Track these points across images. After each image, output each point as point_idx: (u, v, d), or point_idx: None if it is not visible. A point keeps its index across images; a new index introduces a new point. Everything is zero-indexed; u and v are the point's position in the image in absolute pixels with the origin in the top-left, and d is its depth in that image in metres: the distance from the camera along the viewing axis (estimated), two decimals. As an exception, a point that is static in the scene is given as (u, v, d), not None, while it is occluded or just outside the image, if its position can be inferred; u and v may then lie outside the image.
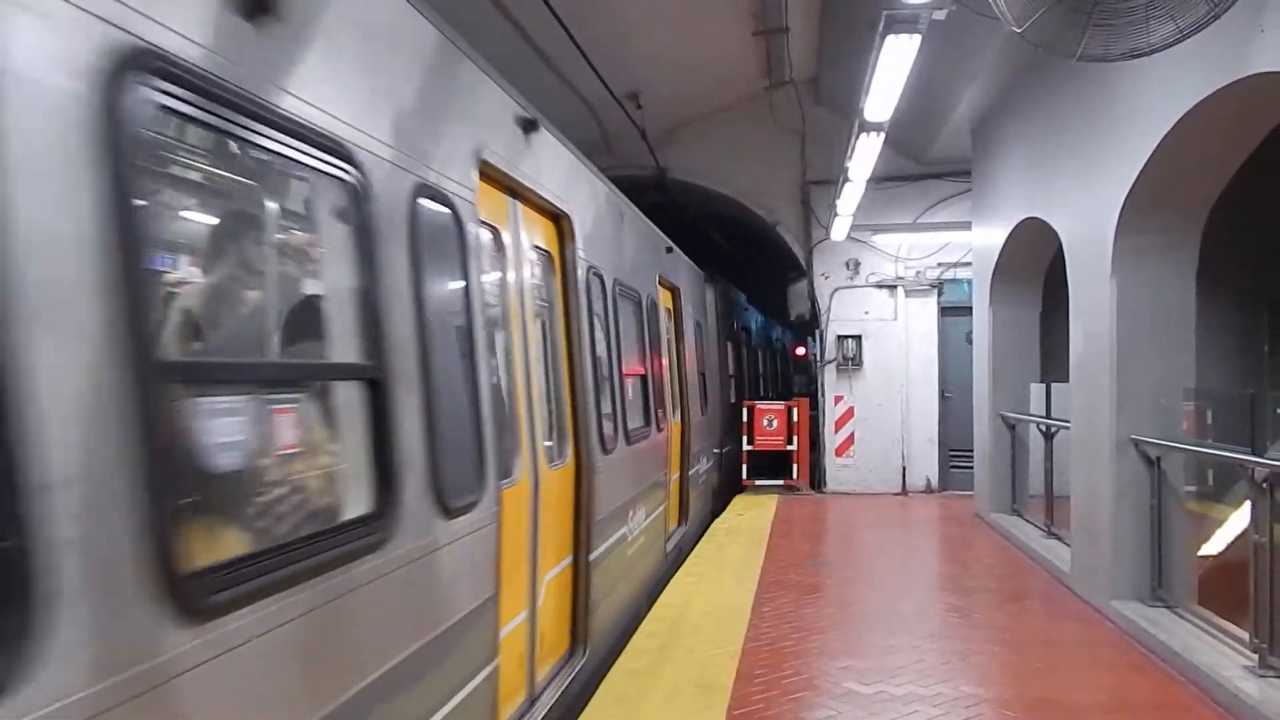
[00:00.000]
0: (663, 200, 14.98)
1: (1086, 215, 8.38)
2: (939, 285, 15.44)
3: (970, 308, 13.40)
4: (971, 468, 13.55)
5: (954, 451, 15.24)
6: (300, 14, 2.91)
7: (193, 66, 2.39)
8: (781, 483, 15.83)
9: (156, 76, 2.26)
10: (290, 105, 2.84)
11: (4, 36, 1.86)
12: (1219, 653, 6.36)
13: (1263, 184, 8.38)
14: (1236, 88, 5.79)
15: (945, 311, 15.41)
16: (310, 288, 3.44)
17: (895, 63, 7.58)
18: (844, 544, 12.18)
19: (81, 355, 1.99)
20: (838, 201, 13.13)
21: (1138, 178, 7.18)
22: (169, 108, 2.36)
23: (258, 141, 2.74)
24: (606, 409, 6.86)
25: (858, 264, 15.61)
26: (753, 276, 21.47)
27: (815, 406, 16.11)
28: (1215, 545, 7.81)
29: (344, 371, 3.36)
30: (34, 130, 1.93)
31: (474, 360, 4.25)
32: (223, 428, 2.72)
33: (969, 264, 13.90)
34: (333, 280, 3.37)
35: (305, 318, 3.35)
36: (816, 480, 15.89)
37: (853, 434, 15.60)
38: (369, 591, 3.14)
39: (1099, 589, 8.01)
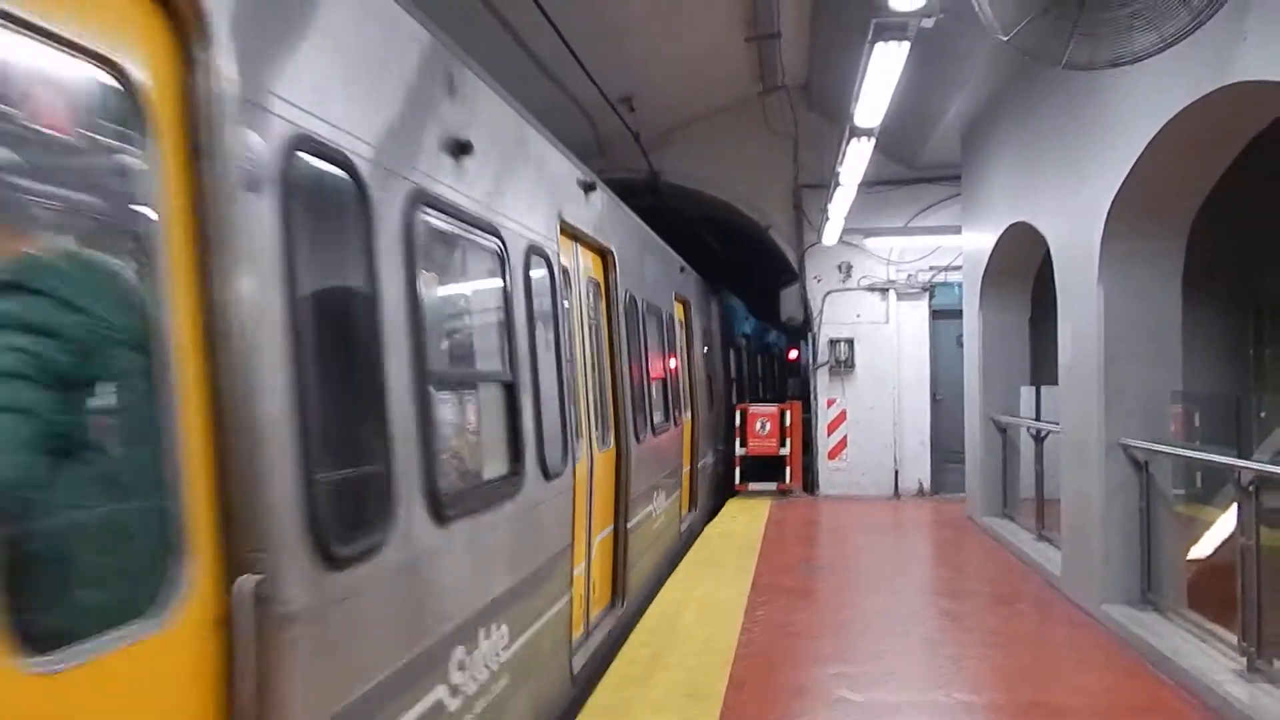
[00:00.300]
0: (656, 204, 15.01)
1: (1073, 220, 8.43)
2: (930, 289, 15.48)
3: (961, 311, 13.45)
4: (963, 471, 13.58)
5: (946, 454, 15.29)
6: (478, 149, 4.47)
7: (438, 194, 4.06)
8: (775, 486, 15.86)
9: (425, 204, 3.91)
10: (472, 207, 4.47)
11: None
12: (1208, 656, 6.39)
13: (1248, 189, 8.44)
14: (1219, 95, 5.83)
15: (936, 315, 15.45)
16: (483, 322, 5.08)
17: (884, 69, 7.64)
18: (837, 548, 12.21)
19: (409, 369, 3.63)
20: (829, 205, 13.19)
21: (1123, 184, 7.23)
22: (427, 220, 3.96)
23: (460, 232, 4.44)
24: (639, 406, 8.53)
25: (850, 267, 15.65)
26: (746, 280, 21.51)
27: (808, 409, 16.14)
28: (1204, 548, 7.86)
29: (496, 378, 4.95)
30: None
31: (560, 369, 5.91)
32: (449, 410, 4.42)
33: (959, 268, 13.95)
34: (493, 317, 4.99)
35: (481, 342, 5.06)
36: (809, 483, 15.92)
37: (845, 437, 15.63)
38: (511, 523, 4.76)
39: (1089, 592, 8.05)
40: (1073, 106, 8.30)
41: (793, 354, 23.16)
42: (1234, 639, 6.22)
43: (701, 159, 15.71)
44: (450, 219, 4.22)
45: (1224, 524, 7.25)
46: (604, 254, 7.65)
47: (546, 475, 5.29)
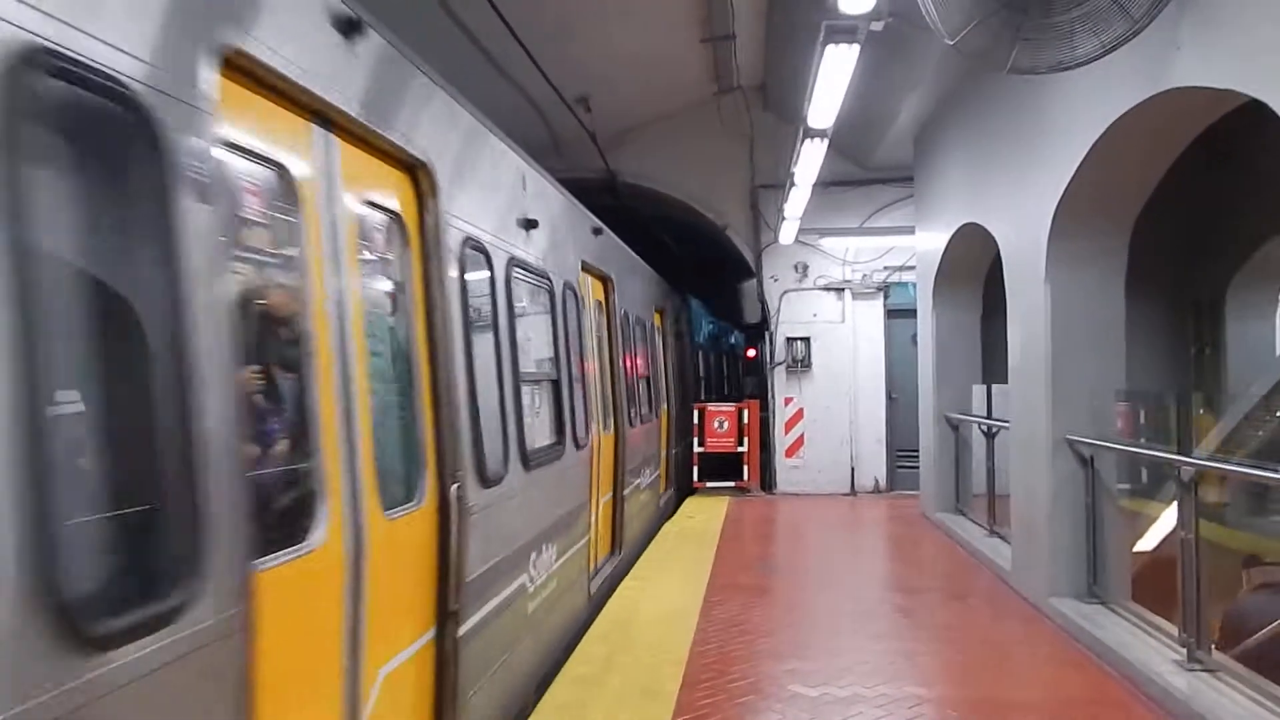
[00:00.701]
0: (613, 204, 15.03)
1: (1021, 221, 8.57)
2: (885, 288, 15.66)
3: (915, 310, 13.60)
4: (918, 468, 13.75)
5: (901, 452, 15.47)
6: (541, 221, 6.61)
7: (521, 257, 6.10)
8: (732, 484, 15.95)
9: (516, 265, 5.96)
10: (536, 262, 6.60)
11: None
12: (1151, 648, 6.53)
13: (1188, 191, 8.63)
14: (1157, 100, 5.98)
15: (891, 314, 15.63)
16: (543, 338, 7.12)
17: (836, 71, 7.74)
18: (793, 545, 12.32)
19: (512, 371, 5.77)
20: (785, 205, 13.30)
21: (1068, 186, 7.37)
22: (517, 274, 6.07)
23: (531, 279, 6.62)
24: (631, 399, 10.67)
25: (806, 267, 15.79)
26: (704, 279, 21.58)
27: (765, 408, 16.25)
28: (1148, 542, 8.02)
29: (549, 376, 7.19)
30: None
31: (583, 370, 8.19)
32: (529, 397, 6.38)
33: (914, 268, 14.11)
34: (547, 334, 7.18)
35: (541, 351, 7.08)
36: (767, 481, 16.03)
37: (802, 435, 15.76)
38: (559, 476, 6.93)
39: (1038, 587, 8.19)
40: (1019, 110, 8.45)
41: (750, 353, 23.26)
42: (1175, 630, 6.37)
43: (658, 159, 15.77)
44: (527, 271, 6.42)
45: (1167, 518, 7.40)
46: (605, 280, 9.82)
47: (578, 446, 7.59)
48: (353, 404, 3.63)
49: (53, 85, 2.13)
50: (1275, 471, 6.09)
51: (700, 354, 20.28)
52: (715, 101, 14.93)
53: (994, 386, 10.50)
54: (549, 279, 7.00)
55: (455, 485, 4.47)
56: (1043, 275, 7.90)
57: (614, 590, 8.87)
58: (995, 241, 9.49)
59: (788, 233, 14.70)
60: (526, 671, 5.97)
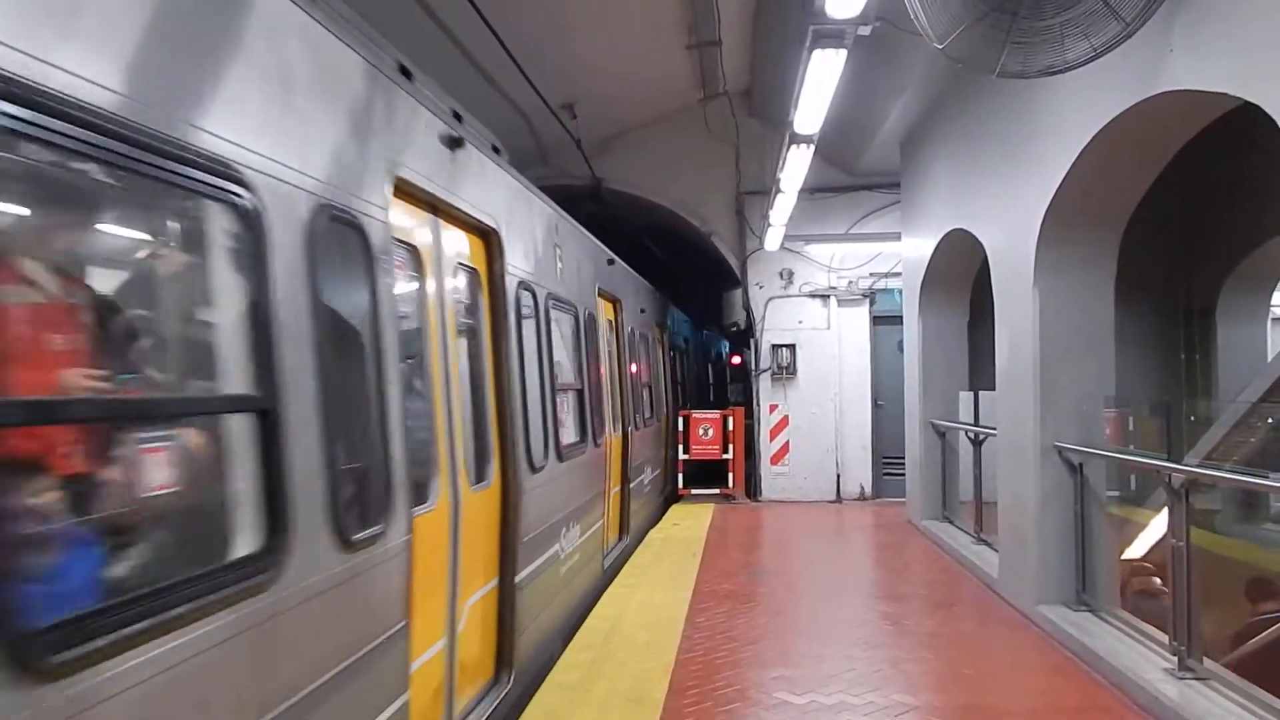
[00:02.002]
0: (598, 210, 14.98)
1: (1009, 227, 8.55)
2: (871, 295, 15.64)
3: (901, 317, 13.59)
4: (904, 475, 13.72)
5: (887, 459, 15.44)
6: (567, 261, 8.27)
7: (557, 293, 7.82)
8: (718, 491, 15.90)
9: (554, 299, 7.73)
10: (566, 295, 8.16)
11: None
12: (1140, 655, 6.50)
13: (1179, 197, 8.61)
14: (1149, 104, 5.95)
15: (877, 321, 15.62)
16: (572, 357, 8.69)
17: (823, 77, 7.69)
18: (779, 552, 12.25)
19: (551, 383, 7.40)
20: (770, 212, 13.27)
21: (1057, 191, 7.34)
22: (553, 307, 7.64)
23: (563, 311, 8.16)
24: (636, 405, 12.33)
25: (791, 274, 15.76)
26: (689, 286, 21.54)
27: (751, 415, 16.20)
28: (1137, 549, 7.99)
29: (575, 386, 8.69)
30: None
31: (600, 379, 9.92)
32: (562, 404, 8.04)
33: (899, 274, 14.09)
34: (576, 354, 8.74)
35: (571, 367, 8.61)
36: (752, 489, 15.98)
37: (788, 442, 15.72)
38: (585, 464, 8.55)
39: (1025, 594, 8.15)
40: (1008, 115, 8.42)
41: (736, 360, 23.24)
42: (1165, 639, 6.33)
43: (644, 166, 15.74)
44: (560, 303, 7.98)
45: (1156, 526, 7.37)
46: (615, 302, 11.40)
47: (595, 443, 9.22)
48: (453, 409, 5.08)
49: (330, 220, 3.62)
50: (1266, 479, 6.05)
51: (686, 360, 20.25)
52: (701, 108, 14.90)
53: (981, 393, 10.47)
54: (575, 307, 8.70)
55: (514, 470, 5.96)
56: (1031, 281, 7.87)
57: (622, 567, 10.47)
58: (982, 248, 9.46)
59: (773, 239, 14.66)
60: (558, 624, 7.43)
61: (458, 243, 5.48)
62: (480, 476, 5.58)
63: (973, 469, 10.69)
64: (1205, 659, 5.99)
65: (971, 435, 10.71)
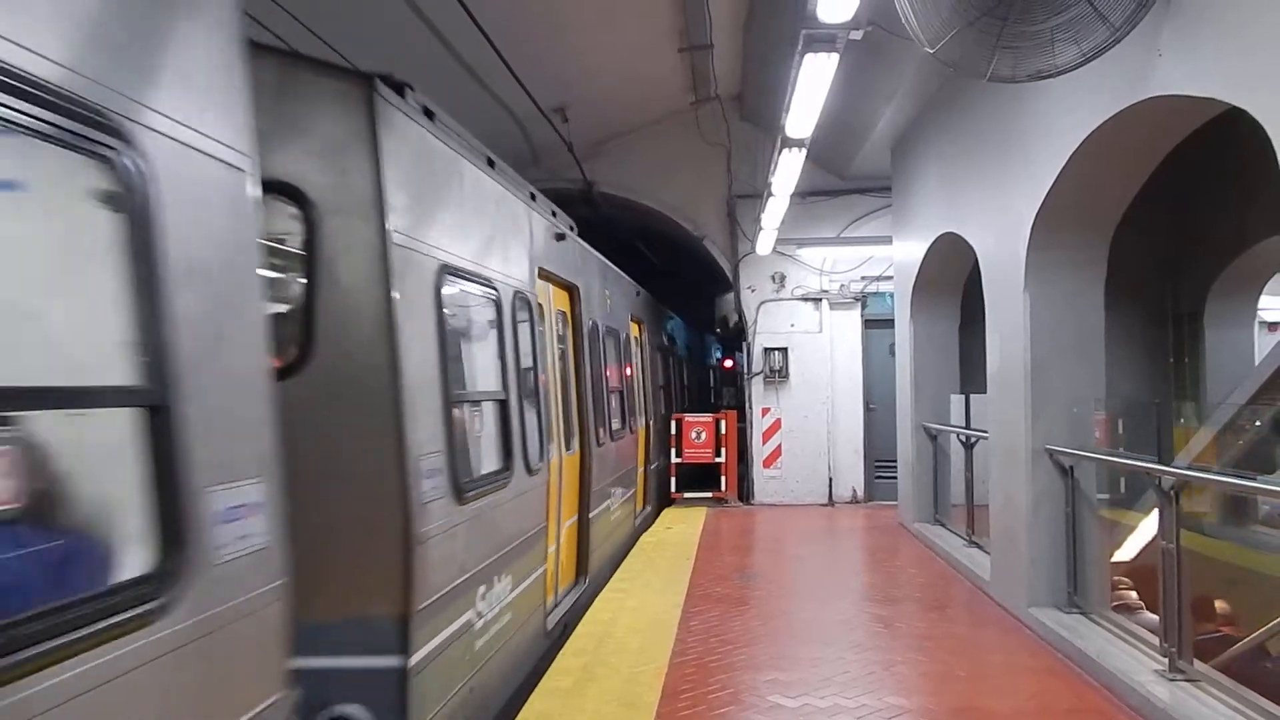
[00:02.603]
0: (590, 214, 14.97)
1: (1000, 231, 8.58)
2: (862, 298, 15.68)
3: (893, 320, 13.62)
4: (896, 478, 13.75)
5: (879, 462, 15.47)
6: (609, 290, 11.71)
7: (608, 324, 11.01)
8: (710, 495, 15.92)
9: (601, 325, 10.61)
10: (612, 324, 11.39)
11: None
12: (1131, 657, 6.52)
13: (1167, 201, 8.65)
14: (1138, 109, 5.98)
15: (869, 324, 15.65)
16: (616, 366, 11.56)
17: (814, 81, 7.70)
18: (771, 555, 12.27)
19: (604, 386, 10.37)
20: (762, 215, 13.29)
21: (1047, 195, 7.38)
22: (606, 332, 10.86)
23: (611, 334, 11.33)
24: (655, 405, 14.75)
25: (783, 277, 15.79)
26: (681, 289, 21.57)
27: (743, 419, 16.22)
28: (1128, 552, 8.02)
29: (619, 389, 11.82)
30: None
31: (636, 385, 13.23)
32: (609, 402, 11.11)
33: (891, 277, 14.13)
34: (619, 364, 11.89)
35: (614, 375, 11.39)
36: (745, 492, 16.00)
37: (780, 445, 15.74)
38: (625, 444, 11.84)
39: (1017, 596, 8.18)
40: (998, 119, 8.46)
41: (728, 363, 23.26)
42: (1156, 640, 6.36)
43: (636, 169, 15.77)
44: (610, 329, 10.76)
45: (1146, 528, 7.39)
46: (640, 323, 13.63)
47: (631, 431, 12.12)
48: (556, 404, 8.06)
49: (515, 297, 6.60)
50: (1255, 480, 6.08)
51: (679, 364, 20.28)
52: (693, 111, 14.94)
53: (972, 396, 10.50)
54: (618, 332, 11.54)
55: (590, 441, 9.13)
56: (1022, 285, 7.90)
57: (650, 526, 13.44)
58: (973, 251, 9.49)
59: (765, 243, 14.69)
60: (610, 557, 10.47)
61: (557, 296, 8.63)
62: (569, 447, 8.69)
63: (964, 472, 10.72)
64: (1195, 661, 6.01)
65: (963, 438, 10.74)
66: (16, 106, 2.11)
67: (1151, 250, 10.65)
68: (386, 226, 4.40)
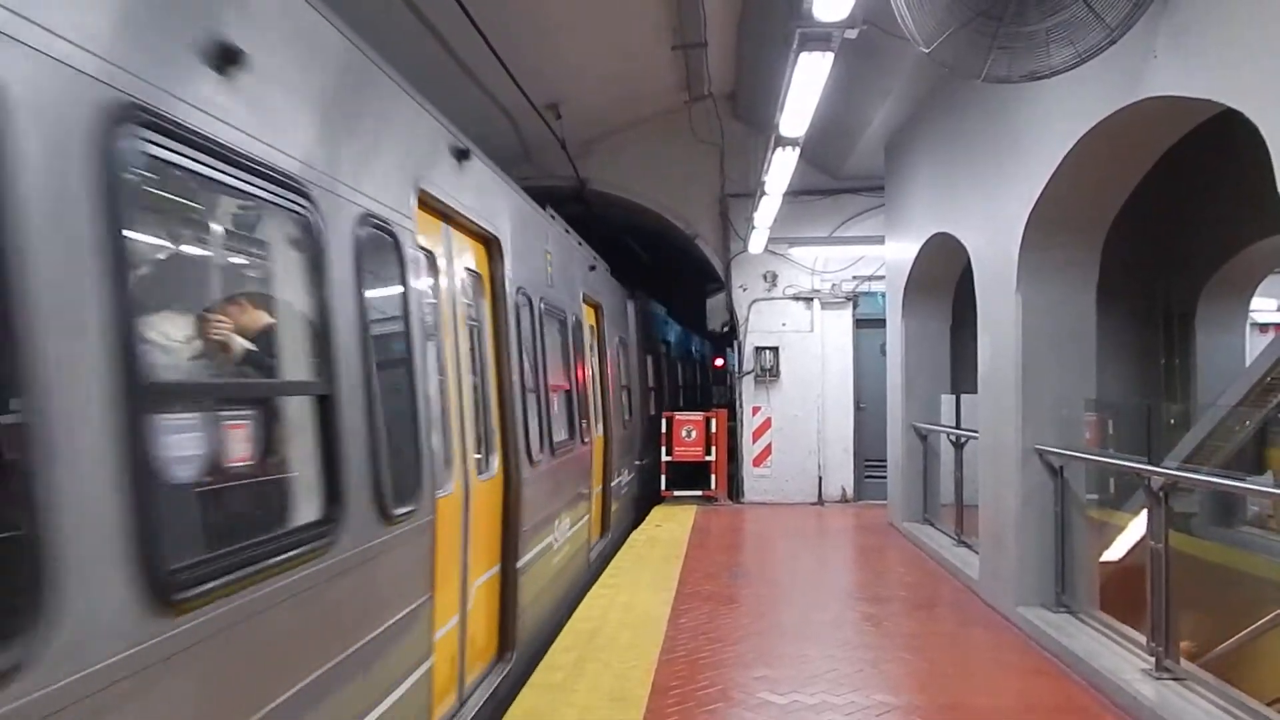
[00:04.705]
0: (582, 211, 14.99)
1: (992, 231, 8.60)
2: (854, 298, 15.69)
3: (884, 320, 13.64)
4: (885, 477, 13.78)
5: (869, 461, 15.49)
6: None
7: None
8: (700, 493, 15.92)
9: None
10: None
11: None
12: (1119, 656, 6.55)
13: (1161, 202, 8.68)
14: (1132, 110, 6.01)
15: (860, 324, 15.67)
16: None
17: (809, 79, 7.71)
18: (761, 554, 12.27)
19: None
20: (755, 214, 13.31)
21: (1040, 196, 7.40)
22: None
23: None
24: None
25: (775, 276, 15.79)
26: (672, 287, 21.58)
27: (733, 417, 16.24)
28: (1115, 552, 8.05)
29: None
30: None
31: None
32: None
33: (883, 277, 14.15)
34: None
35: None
36: (735, 491, 16.01)
37: (770, 444, 15.75)
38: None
39: (1005, 595, 8.20)
40: (992, 119, 8.48)
41: (718, 362, 23.28)
42: (1143, 639, 6.38)
43: (628, 167, 15.75)
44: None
45: (1134, 528, 7.42)
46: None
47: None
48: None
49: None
50: (1244, 481, 6.12)
51: (670, 362, 20.30)
52: (686, 110, 14.91)
53: (963, 396, 10.52)
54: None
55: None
56: (1014, 286, 7.92)
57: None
58: (966, 251, 9.51)
59: (757, 242, 14.70)
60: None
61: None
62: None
63: (954, 472, 10.74)
64: (1182, 659, 6.04)
65: (953, 438, 10.77)
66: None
67: (1144, 251, 10.69)
68: None
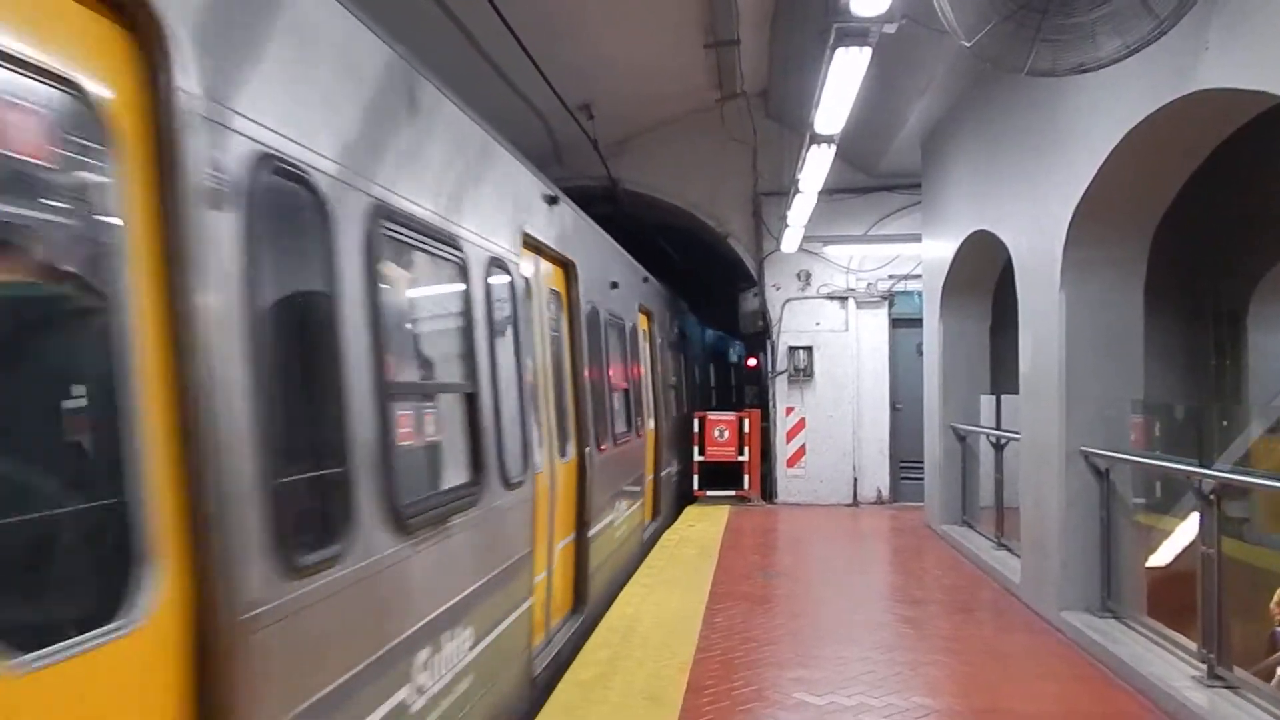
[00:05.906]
0: (614, 211, 14.93)
1: (1035, 229, 8.45)
2: (890, 297, 15.55)
3: (921, 319, 13.49)
4: (922, 479, 13.62)
5: (905, 463, 15.34)
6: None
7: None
8: (733, 493, 15.83)
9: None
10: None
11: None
12: (1167, 663, 6.40)
13: (1211, 198, 8.48)
14: (1182, 103, 5.86)
15: (896, 323, 15.52)
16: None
17: (845, 76, 7.59)
18: (795, 555, 12.16)
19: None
20: (788, 213, 13.19)
21: (1085, 192, 7.24)
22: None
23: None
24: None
25: (809, 275, 15.68)
26: (705, 287, 21.49)
27: (766, 418, 16.13)
28: (1163, 557, 7.88)
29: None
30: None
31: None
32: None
33: (919, 276, 14.00)
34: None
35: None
36: (768, 491, 15.90)
37: (804, 445, 15.63)
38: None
39: (1048, 600, 8.06)
40: (1034, 114, 8.33)
41: (751, 362, 23.16)
42: (1193, 646, 6.23)
43: (660, 166, 15.70)
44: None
45: (1183, 533, 7.26)
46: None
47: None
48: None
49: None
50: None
51: (702, 363, 20.27)
52: (718, 108, 14.83)
53: (1003, 397, 10.36)
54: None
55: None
56: (1058, 284, 7.77)
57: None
58: (1006, 250, 9.36)
59: (790, 241, 14.58)
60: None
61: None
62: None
63: (994, 473, 10.59)
64: (1236, 667, 5.89)
65: (993, 439, 10.61)
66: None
67: (1193, 248, 10.45)
68: None
